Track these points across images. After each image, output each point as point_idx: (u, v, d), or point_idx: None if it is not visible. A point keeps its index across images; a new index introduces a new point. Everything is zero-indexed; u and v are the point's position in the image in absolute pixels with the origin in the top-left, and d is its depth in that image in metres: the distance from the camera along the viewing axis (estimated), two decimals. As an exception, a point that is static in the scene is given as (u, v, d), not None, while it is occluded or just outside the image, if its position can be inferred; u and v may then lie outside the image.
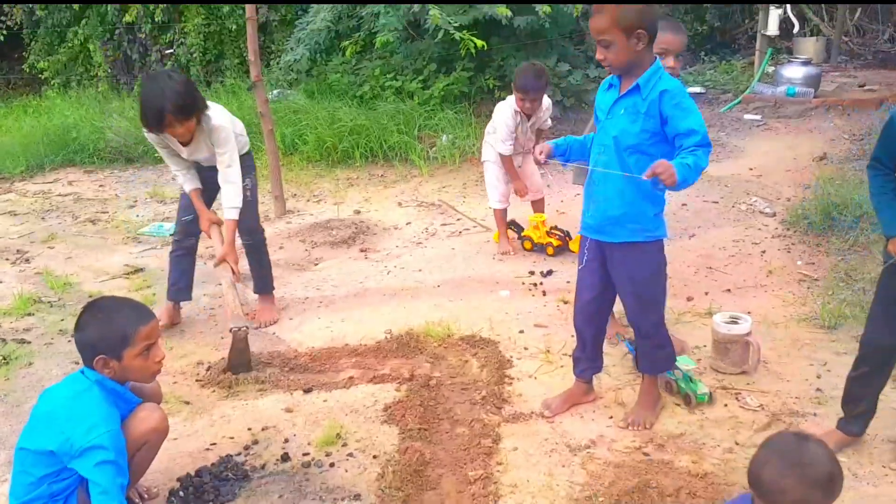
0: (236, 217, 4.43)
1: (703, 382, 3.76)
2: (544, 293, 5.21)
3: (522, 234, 6.01)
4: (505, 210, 6.01)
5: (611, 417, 3.71)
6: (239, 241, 4.70)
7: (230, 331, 4.20)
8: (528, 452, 3.47)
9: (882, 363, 3.22)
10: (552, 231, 5.92)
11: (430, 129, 8.73)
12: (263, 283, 5.04)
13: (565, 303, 4.89)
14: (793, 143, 8.28)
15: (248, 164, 4.68)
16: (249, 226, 4.77)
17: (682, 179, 2.96)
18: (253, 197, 4.73)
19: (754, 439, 3.41)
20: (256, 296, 5.05)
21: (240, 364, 4.24)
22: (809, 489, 2.15)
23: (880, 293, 3.18)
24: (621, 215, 3.29)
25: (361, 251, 6.20)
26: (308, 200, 7.65)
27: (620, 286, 3.45)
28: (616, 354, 4.23)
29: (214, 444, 3.62)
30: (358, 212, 7.19)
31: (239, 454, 3.53)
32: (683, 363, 3.79)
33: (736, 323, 4.01)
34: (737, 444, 3.43)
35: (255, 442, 3.62)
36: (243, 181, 4.48)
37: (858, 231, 5.53)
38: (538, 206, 6.12)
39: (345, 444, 3.56)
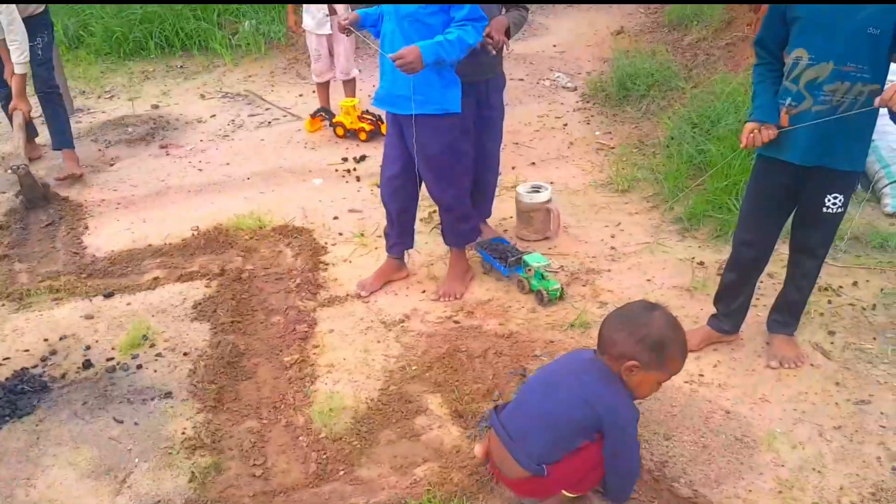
0: (22, 72, 4.84)
1: (555, 279, 3.72)
2: (358, 178, 5.17)
3: (333, 120, 5.87)
4: (324, 84, 6.01)
5: (423, 292, 3.80)
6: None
7: (11, 171, 4.65)
8: (343, 333, 3.50)
9: (754, 261, 3.11)
10: (363, 116, 5.82)
11: (231, 14, 8.19)
12: (62, 137, 5.29)
13: (379, 186, 4.87)
14: (593, 18, 8.54)
15: (41, 22, 5.03)
16: (44, 80, 5.15)
17: (432, 60, 3.04)
18: (45, 55, 5.11)
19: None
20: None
21: (33, 198, 4.74)
22: (637, 345, 2.26)
23: (751, 187, 3.02)
24: (408, 86, 3.26)
25: (162, 147, 5.83)
26: (99, 97, 7.03)
27: (417, 160, 3.44)
28: (425, 231, 4.30)
29: (8, 358, 3.37)
30: (156, 106, 6.71)
31: (35, 366, 3.31)
32: (534, 261, 3.66)
33: (538, 192, 4.17)
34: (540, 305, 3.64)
35: (53, 352, 3.40)
36: (33, 40, 4.91)
37: (650, 99, 5.85)
38: (349, 88, 5.98)
39: (152, 345, 3.43)
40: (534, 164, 5.26)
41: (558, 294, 3.63)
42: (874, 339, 3.30)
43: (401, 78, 3.19)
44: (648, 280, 3.80)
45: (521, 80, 6.83)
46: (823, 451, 2.73)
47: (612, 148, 5.40)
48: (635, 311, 2.36)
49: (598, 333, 2.40)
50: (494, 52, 3.50)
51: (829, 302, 3.56)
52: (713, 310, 3.29)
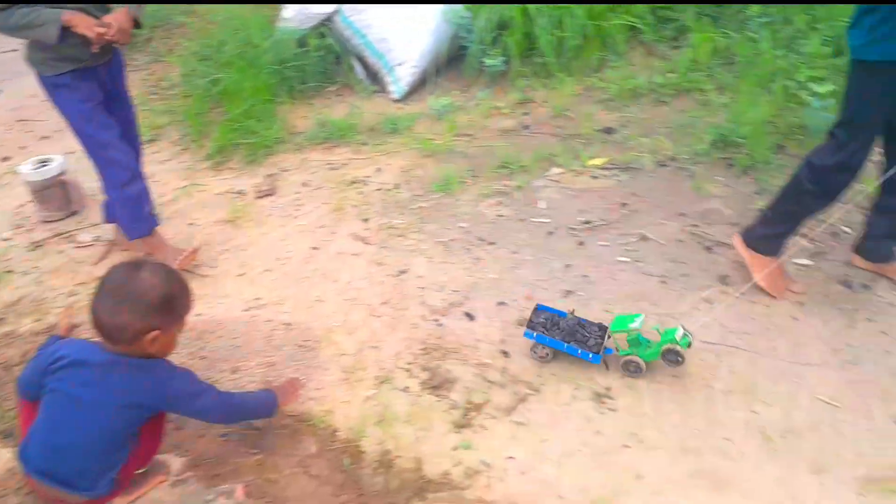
0: None
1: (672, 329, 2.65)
2: None
3: None
4: None
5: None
6: None
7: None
8: None
9: None
10: None
11: None
12: None
13: None
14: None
15: None
16: None
17: None
18: None
19: (94, 273, 3.34)
20: None
21: None
22: (147, 317, 2.03)
23: None
24: None
25: None
26: None
27: None
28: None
29: None
30: None
31: None
32: (621, 326, 2.66)
33: (45, 166, 3.75)
34: (81, 284, 3.32)
35: None
36: None
37: (157, 41, 5.58)
38: None
39: None
40: (47, 137, 4.73)
41: (689, 341, 2.62)
42: (402, 214, 3.62)
43: None
44: (191, 224, 3.68)
45: (16, 50, 6.02)
46: (376, 327, 2.95)
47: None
48: (123, 285, 2.06)
49: (94, 325, 2.06)
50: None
51: (360, 193, 3.80)
52: (239, 237, 3.32)
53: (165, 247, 3.26)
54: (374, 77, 4.89)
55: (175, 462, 2.44)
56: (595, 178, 3.75)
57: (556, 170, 3.83)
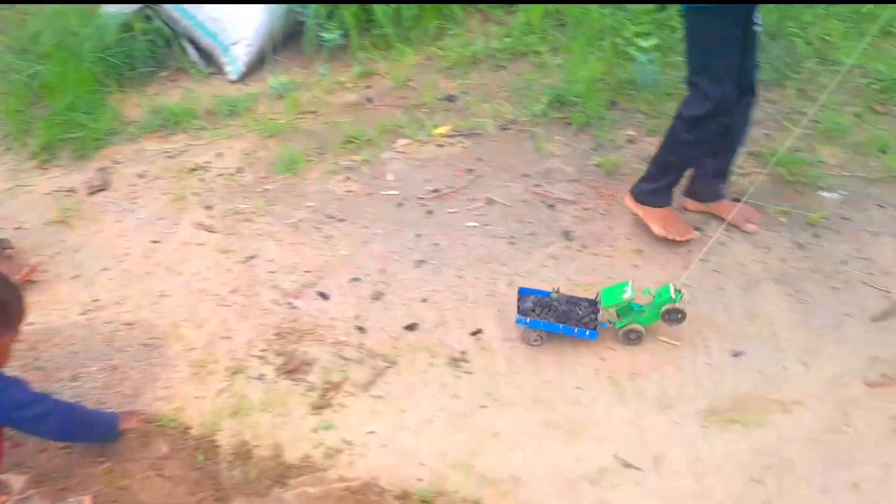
0: None
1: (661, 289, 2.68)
2: None
3: None
4: None
5: None
6: None
7: None
8: None
9: None
10: None
11: None
12: None
13: None
14: None
15: None
16: None
17: None
18: None
19: None
20: None
21: None
22: None
23: None
24: None
25: None
26: None
27: None
28: None
29: None
30: None
31: None
32: (613, 298, 2.66)
33: None
34: None
35: None
36: None
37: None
38: None
39: None
40: None
41: (682, 294, 2.63)
42: (247, 198, 3.51)
43: None
44: (18, 228, 3.42)
45: None
46: (226, 317, 2.86)
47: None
48: None
49: None
50: None
51: (202, 180, 3.65)
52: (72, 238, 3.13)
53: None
54: (208, 58, 4.68)
55: (17, 480, 2.30)
56: (441, 146, 3.77)
57: (402, 141, 3.82)
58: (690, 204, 3.23)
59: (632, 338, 2.66)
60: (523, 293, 2.73)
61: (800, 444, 2.31)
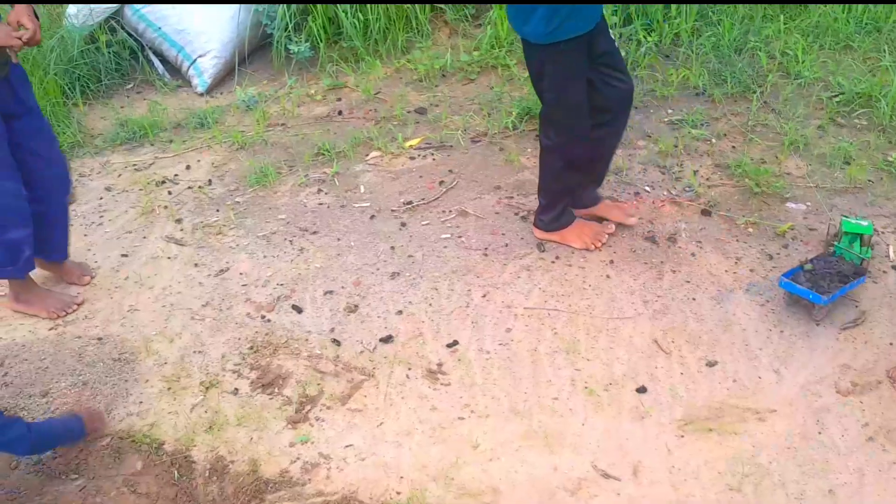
0: None
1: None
2: None
3: None
4: None
5: None
6: None
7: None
8: None
9: None
10: None
11: None
12: None
13: None
14: None
15: None
16: None
17: None
18: None
19: None
20: None
21: None
22: None
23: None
24: None
25: None
26: None
27: None
28: None
29: None
30: None
31: None
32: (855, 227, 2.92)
33: None
34: None
35: None
36: None
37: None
38: None
39: None
40: None
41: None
42: (218, 211, 3.47)
43: None
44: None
45: None
46: (198, 331, 2.82)
47: None
48: None
49: None
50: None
51: (170, 192, 3.61)
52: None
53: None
54: (175, 71, 4.64)
55: (-16, 502, 2.22)
56: (412, 158, 3.77)
57: (373, 153, 3.81)
58: (576, 211, 3.24)
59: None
60: (787, 287, 2.74)
61: (775, 451, 2.34)
